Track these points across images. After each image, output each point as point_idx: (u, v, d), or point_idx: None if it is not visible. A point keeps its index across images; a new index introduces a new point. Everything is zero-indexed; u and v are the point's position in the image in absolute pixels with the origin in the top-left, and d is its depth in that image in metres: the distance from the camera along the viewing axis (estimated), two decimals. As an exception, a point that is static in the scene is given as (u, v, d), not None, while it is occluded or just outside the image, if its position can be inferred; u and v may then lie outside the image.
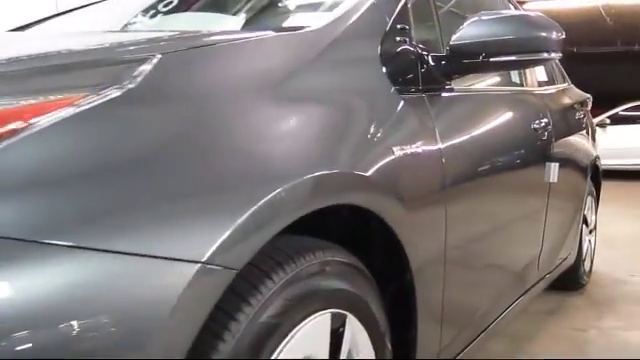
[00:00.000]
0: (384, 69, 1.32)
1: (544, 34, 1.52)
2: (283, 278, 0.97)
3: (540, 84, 2.59)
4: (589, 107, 3.77)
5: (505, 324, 2.16)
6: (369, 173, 1.11)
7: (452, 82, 1.60)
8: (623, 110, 9.94)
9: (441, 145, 1.41)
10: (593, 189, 3.52)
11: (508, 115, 2.01)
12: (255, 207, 0.84)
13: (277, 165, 0.93)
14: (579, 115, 3.09)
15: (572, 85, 3.55)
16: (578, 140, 2.96)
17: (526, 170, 2.12)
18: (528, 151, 2.14)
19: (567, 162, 2.71)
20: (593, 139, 3.57)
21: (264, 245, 0.88)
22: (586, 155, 3.15)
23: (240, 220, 0.81)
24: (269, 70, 1.05)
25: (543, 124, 2.29)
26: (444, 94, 1.57)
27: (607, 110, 9.91)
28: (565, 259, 2.90)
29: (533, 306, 2.96)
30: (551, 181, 2.37)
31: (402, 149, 1.24)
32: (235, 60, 1.03)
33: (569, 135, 2.75)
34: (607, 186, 8.58)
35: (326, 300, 1.04)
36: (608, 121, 9.75)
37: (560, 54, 1.57)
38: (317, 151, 1.02)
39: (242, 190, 0.86)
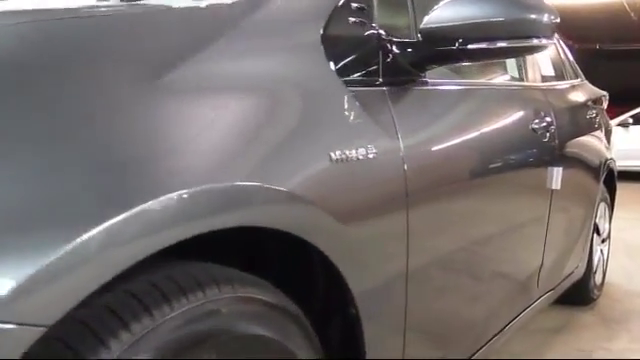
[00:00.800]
0: (327, 56, 1.07)
1: (533, 16, 1.26)
2: (160, 319, 0.73)
3: (545, 79, 2.33)
4: (604, 105, 3.48)
5: (501, 344, 1.92)
6: (290, 186, 0.87)
7: (426, 74, 1.35)
8: (647, 109, 9.53)
9: (403, 149, 1.17)
10: (607, 195, 3.23)
11: (499, 113, 1.76)
12: (85, 236, 0.61)
13: (133, 177, 0.69)
14: (591, 114, 2.81)
15: (585, 81, 3.27)
16: (589, 141, 2.69)
17: (521, 176, 1.87)
18: (524, 154, 1.89)
19: (574, 166, 2.44)
20: (608, 140, 3.28)
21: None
22: (598, 158, 2.87)
23: (52, 257, 0.58)
24: (149, 53, 0.81)
25: (545, 124, 2.02)
26: (415, 88, 1.32)
27: (630, 109, 9.50)
28: (572, 273, 2.63)
29: (538, 322, 2.69)
30: (553, 188, 2.11)
31: (345, 155, 1.00)
32: (103, 37, 0.80)
33: (577, 136, 2.47)
34: (628, 188, 8.26)
35: (226, 351, 0.81)
36: (631, 120, 9.36)
37: (553, 41, 1.30)
38: (203, 158, 0.78)
39: (67, 213, 0.63)
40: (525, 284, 2.10)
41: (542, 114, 2.03)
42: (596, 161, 2.82)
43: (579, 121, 2.60)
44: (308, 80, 1.01)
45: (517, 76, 2.07)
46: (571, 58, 3.22)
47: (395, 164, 1.14)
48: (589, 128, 2.74)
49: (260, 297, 0.88)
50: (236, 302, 0.84)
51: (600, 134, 2.96)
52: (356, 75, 1.15)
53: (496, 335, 1.83)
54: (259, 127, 0.89)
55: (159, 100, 0.77)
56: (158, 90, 0.78)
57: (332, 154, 0.97)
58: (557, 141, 2.13)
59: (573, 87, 2.80)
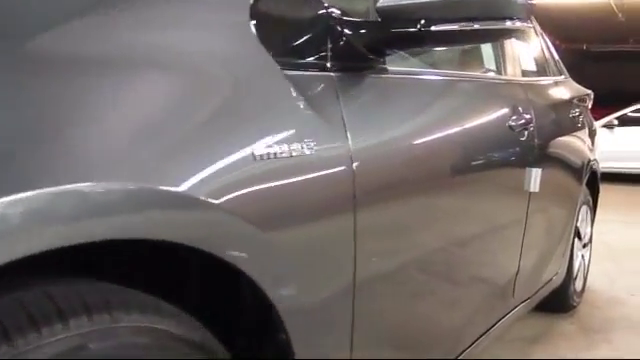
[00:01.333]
0: (259, 34, 0.90)
1: (505, -5, 1.10)
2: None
3: (525, 74, 2.18)
4: (589, 104, 3.34)
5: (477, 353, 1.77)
6: (194, 189, 0.70)
7: (386, 60, 1.19)
8: (632, 111, 9.45)
9: (353, 146, 1.00)
10: (589, 197, 3.10)
11: (471, 108, 1.60)
12: None
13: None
14: (574, 113, 2.67)
15: (569, 79, 3.13)
16: (571, 141, 2.54)
17: (495, 177, 1.71)
18: (499, 154, 1.74)
19: (555, 167, 2.29)
20: (591, 140, 3.14)
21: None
22: (580, 159, 2.72)
23: None
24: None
25: (523, 121, 1.87)
26: (371, 76, 1.16)
27: (616, 111, 9.43)
28: (551, 280, 2.48)
29: (515, 331, 2.55)
30: (532, 190, 1.95)
31: (273, 152, 0.83)
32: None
33: (559, 135, 2.33)
34: (611, 190, 8.18)
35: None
36: (616, 122, 9.27)
37: (528, 24, 1.15)
38: (80, 151, 0.61)
39: None
40: (499, 293, 1.95)
41: (521, 111, 1.88)
42: (578, 162, 2.68)
43: (561, 120, 2.45)
44: (231, 61, 0.84)
45: (494, 69, 1.91)
46: (555, 54, 3.08)
47: (340, 162, 0.98)
48: (572, 127, 2.59)
49: (161, 327, 0.71)
50: (131, 333, 0.68)
51: (583, 134, 2.82)
52: (297, 58, 0.99)
53: (466, 350, 1.67)
54: (162, 115, 0.72)
55: (22, 75, 0.60)
56: (22, 62, 0.61)
57: (255, 150, 0.80)
58: (536, 140, 1.98)
59: (556, 84, 2.65)
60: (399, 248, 1.20)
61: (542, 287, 2.40)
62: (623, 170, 8.95)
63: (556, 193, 2.35)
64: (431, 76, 1.47)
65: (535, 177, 1.96)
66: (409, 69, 1.34)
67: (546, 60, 2.73)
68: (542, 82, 2.42)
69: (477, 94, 1.69)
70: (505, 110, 1.78)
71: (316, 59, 1.03)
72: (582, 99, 3.02)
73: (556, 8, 10.23)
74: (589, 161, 2.88)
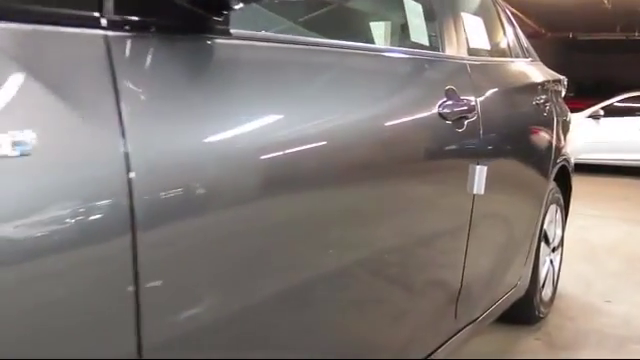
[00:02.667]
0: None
1: None
2: None
3: (474, 52, 1.83)
4: (561, 90, 3.01)
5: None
6: None
7: (228, 21, 0.84)
8: (618, 101, 9.14)
9: (131, 139, 0.65)
10: (559, 195, 2.76)
11: (374, 89, 1.24)
12: None
13: None
14: (539, 99, 2.33)
15: (539, 62, 2.79)
16: (533, 132, 2.21)
17: (417, 178, 1.37)
18: (423, 148, 1.39)
19: (511, 163, 1.96)
20: (563, 131, 2.81)
21: None
22: (547, 152, 2.39)
23: None
24: None
25: (462, 108, 1.53)
26: (186, 38, 0.80)
27: (603, 101, 9.11)
28: (508, 294, 2.15)
29: (472, 347, 2.22)
30: (475, 192, 1.62)
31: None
32: None
33: (517, 125, 2.00)
34: (597, 182, 7.91)
35: None
36: (602, 112, 8.96)
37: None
38: None
39: None
40: (436, 317, 1.61)
41: (457, 96, 1.53)
42: (543, 156, 2.34)
43: (520, 107, 2.11)
44: None
45: (425, 44, 1.56)
46: (521, 34, 2.74)
47: (105, 162, 0.63)
48: (535, 116, 2.26)
49: None
50: None
51: (551, 123, 2.48)
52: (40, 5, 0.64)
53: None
54: None
55: None
56: None
57: None
58: (482, 131, 1.64)
59: (516, 65, 2.31)
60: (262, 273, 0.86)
61: (498, 302, 2.06)
62: (609, 162, 8.68)
63: (512, 193, 2.02)
64: (313, 46, 1.11)
65: (479, 176, 1.62)
66: (271, 34, 0.99)
67: (507, 38, 2.38)
68: (496, 63, 2.07)
69: (387, 72, 1.33)
70: (433, 94, 1.44)
71: (82, 9, 0.67)
72: (551, 85, 2.68)
73: (541, -5, 9.87)
74: (558, 155, 2.55)
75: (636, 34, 12.07)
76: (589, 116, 8.98)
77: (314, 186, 0.96)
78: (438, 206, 1.50)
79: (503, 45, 2.32)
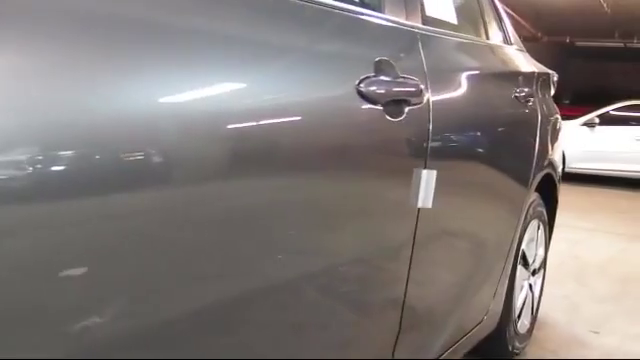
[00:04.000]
0: None
1: None
2: None
3: (429, 21, 1.40)
4: (550, 87, 2.60)
5: None
6: None
7: None
8: (614, 109, 8.75)
9: None
10: (542, 210, 2.35)
11: (255, 52, 0.82)
12: None
13: None
14: (519, 92, 1.91)
15: (524, 52, 2.38)
16: (509, 132, 1.79)
17: (319, 183, 0.95)
18: (329, 139, 0.97)
19: (475, 169, 1.54)
20: (550, 134, 2.40)
21: None
22: (527, 158, 1.98)
23: None
24: None
25: (399, 89, 1.11)
26: None
27: (599, 109, 8.72)
28: (471, 332, 1.73)
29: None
30: (420, 206, 1.20)
31: None
32: None
33: (485, 121, 1.58)
34: (587, 193, 7.51)
35: None
36: (597, 120, 8.58)
37: None
38: None
39: None
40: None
41: (396, 72, 1.11)
42: (521, 162, 1.93)
43: (492, 99, 1.69)
44: None
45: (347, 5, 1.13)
46: (506, 18, 2.32)
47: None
48: (512, 112, 1.84)
49: None
50: None
51: (534, 123, 2.07)
52: None
53: None
54: None
55: None
56: None
57: None
58: (431, 124, 1.22)
59: (492, 49, 1.89)
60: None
61: (459, 341, 1.64)
62: (603, 172, 8.30)
63: (477, 206, 1.60)
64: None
65: (426, 184, 1.20)
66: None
67: (484, 18, 1.96)
68: (462, 41, 1.64)
69: (281, 28, 0.90)
70: (353, 65, 1.01)
71: None
72: (537, 78, 2.27)
73: (538, -3, 9.49)
74: (541, 161, 2.14)
75: (635, 41, 11.68)
76: (584, 124, 8.60)
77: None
78: (363, 224, 1.08)
79: (477, 23, 1.90)
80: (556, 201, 2.52)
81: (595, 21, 10.48)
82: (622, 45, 12.18)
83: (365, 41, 1.10)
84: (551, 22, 10.84)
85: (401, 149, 1.15)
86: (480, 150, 1.51)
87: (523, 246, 2.13)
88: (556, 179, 2.43)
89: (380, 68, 1.06)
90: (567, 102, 15.19)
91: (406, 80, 1.13)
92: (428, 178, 1.20)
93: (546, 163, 2.24)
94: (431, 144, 1.22)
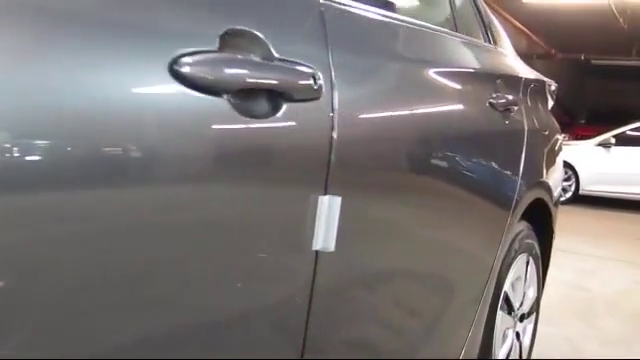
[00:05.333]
0: None
1: None
2: None
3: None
4: (547, 98, 2.23)
5: None
6: None
7: None
8: (631, 129, 8.28)
9: None
10: (533, 242, 1.96)
11: None
12: None
13: None
14: (493, 99, 1.53)
15: (514, 55, 2.01)
16: (477, 150, 1.41)
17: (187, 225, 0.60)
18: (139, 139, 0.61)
19: (419, 193, 1.15)
20: (543, 151, 2.02)
21: None
22: (508, 180, 1.60)
23: None
24: None
25: (268, 84, 0.74)
26: None
27: (615, 129, 8.27)
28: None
29: None
30: (318, 248, 0.83)
31: None
32: None
33: (435, 135, 1.19)
34: (601, 217, 7.05)
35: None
36: (613, 140, 8.12)
37: None
38: None
39: None
40: None
41: (265, 53, 0.75)
42: (499, 184, 1.55)
43: (448, 105, 1.30)
44: None
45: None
46: (491, 17, 1.96)
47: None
48: (481, 123, 1.46)
49: None
50: None
51: (518, 137, 1.70)
52: None
53: None
54: None
55: None
56: None
57: None
58: (335, 135, 0.85)
59: (457, 42, 1.49)
60: None
61: None
62: (619, 195, 7.84)
63: (414, 244, 1.19)
64: None
65: (327, 217, 0.83)
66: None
67: (452, 8, 1.59)
68: (403, 24, 1.23)
69: None
70: (161, 44, 0.65)
71: None
72: (526, 85, 1.89)
73: (550, 12, 9.10)
74: (529, 183, 1.75)
75: (653, 59, 11.22)
76: (599, 144, 8.16)
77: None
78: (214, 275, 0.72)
79: (443, 13, 1.53)
80: (552, 232, 2.13)
81: (611, 37, 10.06)
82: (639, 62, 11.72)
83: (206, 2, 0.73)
84: (565, 38, 10.42)
85: (277, 164, 0.78)
86: (426, 168, 1.13)
87: (506, 287, 1.74)
88: (551, 205, 2.04)
89: (232, 43, 0.70)
90: (583, 121, 14.75)
91: (284, 64, 0.77)
92: (330, 207, 0.83)
93: (536, 186, 1.86)
94: (335, 159, 0.85)
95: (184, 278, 0.69)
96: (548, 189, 1.99)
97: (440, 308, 1.33)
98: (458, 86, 1.34)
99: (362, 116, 0.93)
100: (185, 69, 0.63)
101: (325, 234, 0.84)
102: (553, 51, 11.22)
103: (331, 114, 0.84)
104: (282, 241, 0.81)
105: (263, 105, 0.73)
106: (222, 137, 0.69)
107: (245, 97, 0.70)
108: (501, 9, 8.27)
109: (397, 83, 1.07)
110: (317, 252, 0.85)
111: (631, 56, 11.04)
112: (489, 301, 1.61)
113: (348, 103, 0.88)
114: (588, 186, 8.00)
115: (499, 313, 1.72)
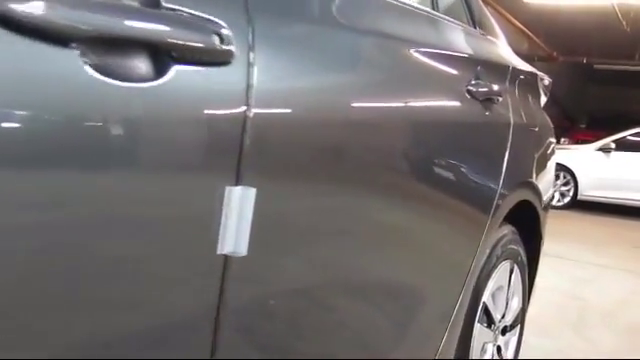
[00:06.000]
0: None
1: None
2: None
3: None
4: (539, 92, 2.06)
5: None
6: None
7: None
8: (632, 134, 8.10)
9: None
10: (518, 249, 1.79)
11: None
12: None
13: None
14: (471, 87, 1.35)
15: (504, 44, 1.84)
16: (447, 141, 1.24)
17: None
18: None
19: (363, 193, 0.97)
20: (537, 155, 1.86)
21: None
22: (486, 178, 1.43)
23: None
24: None
25: (142, 37, 0.58)
26: None
27: (615, 134, 8.09)
28: None
29: None
30: (225, 252, 0.66)
31: None
32: None
33: (390, 117, 1.02)
34: (602, 224, 6.88)
35: None
36: (613, 145, 7.95)
37: None
38: None
39: None
40: None
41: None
42: (472, 185, 1.38)
43: (409, 85, 1.11)
44: None
45: None
46: (482, 6, 1.79)
47: None
48: (454, 111, 1.29)
49: None
50: None
51: (499, 132, 1.53)
52: None
53: None
54: None
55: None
56: None
57: None
58: (252, 113, 0.68)
59: (428, 19, 1.31)
60: None
61: None
62: (619, 201, 7.67)
63: (375, 247, 1.02)
64: None
65: (238, 213, 0.66)
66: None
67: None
68: None
69: None
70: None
71: None
72: (514, 75, 1.72)
73: (551, 13, 8.93)
74: (513, 184, 1.59)
75: (657, 64, 11.03)
76: (599, 149, 7.98)
77: None
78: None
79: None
80: (540, 237, 1.96)
81: (614, 41, 9.88)
82: (643, 68, 11.52)
83: None
84: (567, 41, 10.24)
85: (161, 145, 0.61)
86: (373, 159, 0.95)
87: (485, 298, 1.57)
88: (539, 209, 1.87)
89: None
90: (583, 126, 14.56)
91: (174, 14, 0.60)
92: (242, 202, 0.66)
93: (521, 187, 1.69)
94: (250, 141, 0.68)
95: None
96: (536, 191, 1.82)
97: (395, 324, 1.15)
98: (424, 66, 1.16)
99: (291, 93, 0.76)
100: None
101: (235, 234, 0.67)
102: (555, 54, 11.04)
103: (246, 86, 0.67)
104: (175, 246, 0.64)
105: (139, 65, 0.56)
106: (69, 103, 0.52)
107: (111, 52, 0.54)
108: (501, 8, 8.09)
109: (344, 57, 0.89)
110: (226, 257, 0.68)
111: (634, 60, 10.85)
112: (464, 313, 1.45)
113: (273, 75, 0.72)
114: (587, 191, 7.85)
115: (476, 326, 1.55)
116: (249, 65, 0.68)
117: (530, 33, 9.38)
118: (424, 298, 1.25)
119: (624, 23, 8.58)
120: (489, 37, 1.73)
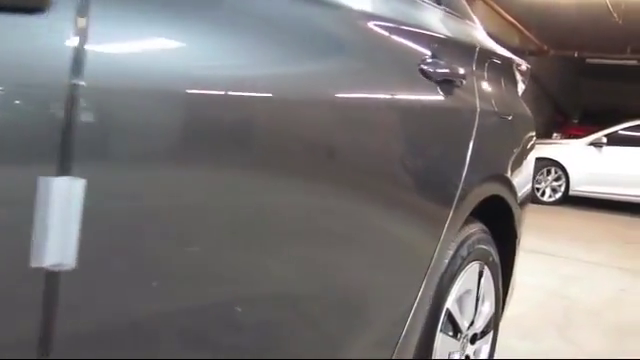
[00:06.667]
0: None
1: None
2: None
3: None
4: (515, 79, 1.90)
5: None
6: None
7: None
8: (624, 129, 7.96)
9: None
10: (490, 248, 1.63)
11: None
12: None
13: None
14: (426, 66, 1.19)
15: (473, 23, 1.68)
16: (391, 126, 1.07)
17: None
18: None
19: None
20: (513, 147, 1.70)
21: None
22: (447, 170, 1.27)
23: None
24: None
25: None
26: None
27: (607, 128, 7.95)
28: None
29: None
30: (49, 264, 0.49)
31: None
32: None
33: (309, 97, 0.86)
34: (592, 219, 6.73)
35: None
36: (605, 140, 7.81)
37: None
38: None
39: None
40: None
41: None
42: (432, 175, 1.21)
43: (335, 60, 0.94)
44: None
45: None
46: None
47: None
48: (403, 92, 1.12)
49: None
50: None
51: (462, 119, 1.37)
52: None
53: None
54: None
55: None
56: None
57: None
58: (84, 82, 0.51)
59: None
60: None
61: None
62: (611, 196, 7.54)
63: (285, 249, 0.86)
64: None
65: (62, 217, 0.49)
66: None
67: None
68: None
69: None
70: None
71: None
72: (481, 56, 1.56)
73: (543, 7, 8.77)
74: (479, 176, 1.43)
75: (649, 57, 10.88)
76: (590, 143, 7.84)
77: None
78: None
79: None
80: (514, 235, 1.80)
81: (606, 34, 9.74)
82: (636, 63, 11.38)
83: None
84: (558, 33, 10.09)
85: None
86: (280, 139, 0.77)
87: (448, 304, 1.41)
88: (513, 205, 1.70)
89: None
90: (575, 121, 14.43)
91: None
92: (68, 197, 0.50)
93: (490, 180, 1.53)
94: (80, 120, 0.51)
95: None
96: (509, 185, 1.66)
97: (331, 328, 0.99)
98: (356, 36, 0.99)
99: (144, 56, 0.59)
100: None
101: (59, 241, 0.50)
102: (546, 47, 10.88)
103: (71, 44, 0.51)
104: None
105: None
106: None
107: None
108: (492, 1, 7.94)
109: (240, 16, 0.73)
110: (47, 272, 0.51)
111: (626, 54, 10.71)
112: (422, 323, 1.28)
113: (118, 33, 0.55)
114: (578, 186, 7.72)
115: (438, 336, 1.39)
116: (78, 11, 0.51)
117: (521, 27, 9.22)
118: (371, 298, 1.08)
119: (615, 16, 8.43)
120: (455, 15, 1.56)
